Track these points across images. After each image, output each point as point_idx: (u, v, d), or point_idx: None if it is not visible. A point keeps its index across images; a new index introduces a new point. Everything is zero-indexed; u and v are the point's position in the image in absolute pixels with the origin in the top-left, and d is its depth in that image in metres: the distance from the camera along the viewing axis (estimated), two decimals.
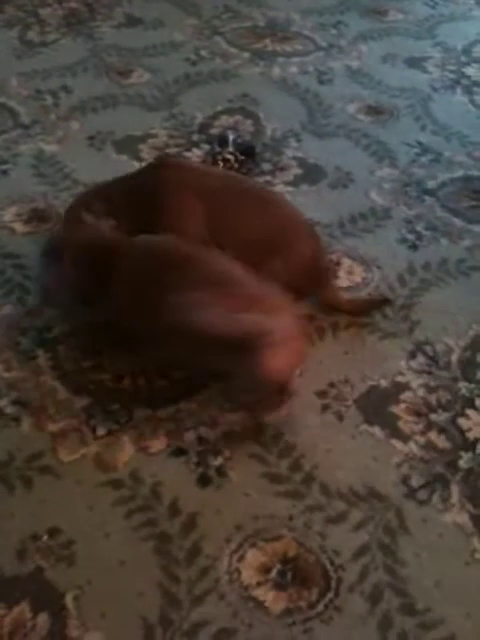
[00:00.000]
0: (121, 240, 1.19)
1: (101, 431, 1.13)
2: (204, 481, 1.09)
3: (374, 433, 1.18)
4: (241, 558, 1.01)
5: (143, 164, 1.61)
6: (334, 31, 2.24)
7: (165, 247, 1.18)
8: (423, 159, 1.77)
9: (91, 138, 1.68)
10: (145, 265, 1.16)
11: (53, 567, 0.98)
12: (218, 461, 1.12)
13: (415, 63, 2.13)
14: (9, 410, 1.14)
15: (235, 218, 1.28)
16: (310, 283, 1.32)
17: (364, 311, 1.35)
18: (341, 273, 1.45)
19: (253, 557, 1.02)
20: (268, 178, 1.65)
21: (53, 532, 1.01)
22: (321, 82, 2.00)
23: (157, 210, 1.24)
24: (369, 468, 1.13)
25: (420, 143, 1.81)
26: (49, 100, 1.78)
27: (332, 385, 1.24)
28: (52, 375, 1.20)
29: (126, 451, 1.12)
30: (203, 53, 2.03)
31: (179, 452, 1.13)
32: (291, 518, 1.06)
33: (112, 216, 1.22)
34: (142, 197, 1.25)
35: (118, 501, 1.05)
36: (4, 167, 1.57)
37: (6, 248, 1.41)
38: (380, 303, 1.36)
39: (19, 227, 1.45)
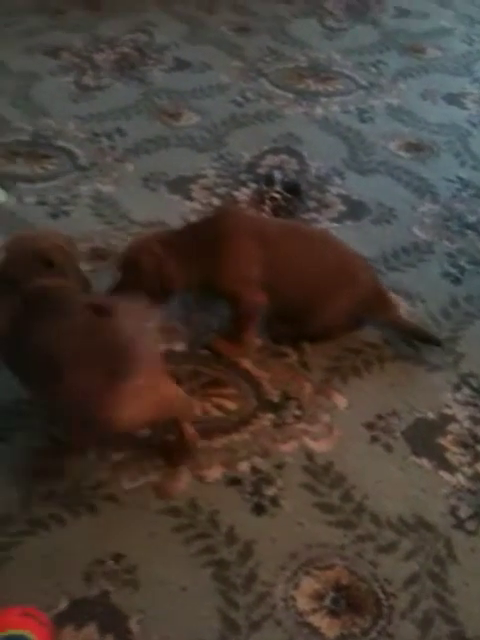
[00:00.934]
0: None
1: (160, 461, 1.19)
2: (259, 510, 1.14)
3: (422, 464, 1.22)
4: (296, 585, 1.06)
5: (194, 204, 1.70)
6: (374, 70, 2.31)
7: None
8: (464, 194, 1.81)
9: (145, 179, 1.77)
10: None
11: (118, 591, 1.03)
12: (271, 491, 1.17)
13: (454, 99, 2.18)
14: None
15: (296, 262, 1.36)
16: (375, 308, 1.42)
17: (416, 335, 1.41)
18: None
19: (307, 584, 1.06)
20: (313, 215, 1.72)
21: (117, 557, 1.07)
22: (362, 120, 2.07)
23: (218, 257, 1.32)
24: (418, 499, 1.17)
25: (460, 178, 1.86)
26: (105, 142, 1.87)
27: (380, 417, 1.29)
28: None
29: (183, 480, 1.17)
30: (248, 94, 2.12)
31: (234, 481, 1.18)
32: (343, 547, 1.10)
33: (173, 260, 1.30)
34: (204, 244, 1.33)
35: (177, 528, 1.11)
36: (66, 208, 1.66)
37: None
38: (430, 338, 1.41)
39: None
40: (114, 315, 1.03)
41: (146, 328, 1.06)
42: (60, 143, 1.87)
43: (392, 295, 1.47)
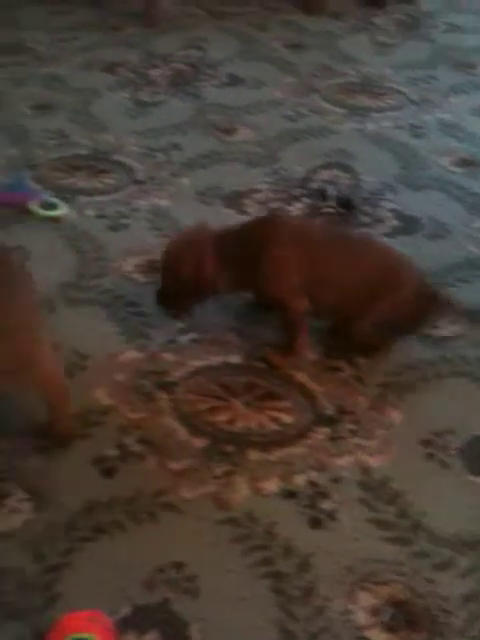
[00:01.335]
0: None
1: (218, 471, 1.22)
2: (315, 523, 1.15)
3: (478, 483, 1.22)
4: (353, 599, 1.07)
5: (248, 218, 1.72)
6: (426, 85, 2.32)
7: None
8: None
9: (201, 193, 1.81)
10: None
11: (178, 599, 1.05)
12: (328, 505, 1.18)
13: None
14: (135, 448, 1.24)
15: (338, 267, 1.37)
16: (425, 310, 1.41)
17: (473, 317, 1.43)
18: (441, 322, 1.50)
19: (365, 599, 1.07)
20: (366, 230, 1.73)
21: (178, 565, 1.09)
22: (414, 135, 2.07)
23: (261, 262, 1.34)
24: (475, 518, 1.17)
25: None
26: (161, 157, 1.92)
27: (436, 434, 1.29)
28: (172, 416, 1.30)
29: (241, 491, 1.19)
30: (301, 110, 2.14)
31: (290, 494, 1.19)
32: (400, 563, 1.11)
33: (214, 260, 1.34)
34: (247, 248, 1.36)
35: (236, 539, 1.13)
36: (124, 221, 1.71)
37: (128, 297, 1.53)
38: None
39: (139, 277, 1.57)
40: None
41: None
42: (118, 158, 1.92)
43: (444, 292, 1.46)
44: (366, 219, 1.76)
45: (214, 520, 1.15)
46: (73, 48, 2.44)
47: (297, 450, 1.26)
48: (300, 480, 1.21)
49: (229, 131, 2.03)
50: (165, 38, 2.50)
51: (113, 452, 1.23)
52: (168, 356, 1.41)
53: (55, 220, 1.71)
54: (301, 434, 1.28)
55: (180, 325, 1.47)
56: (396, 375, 1.39)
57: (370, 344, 1.41)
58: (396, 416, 1.32)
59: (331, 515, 1.16)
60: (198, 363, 1.40)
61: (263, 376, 1.38)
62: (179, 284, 1.36)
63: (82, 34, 2.52)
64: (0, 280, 1.15)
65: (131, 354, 1.41)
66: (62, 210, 1.73)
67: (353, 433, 1.29)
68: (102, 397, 1.32)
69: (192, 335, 1.46)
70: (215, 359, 1.41)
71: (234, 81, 2.28)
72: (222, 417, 1.30)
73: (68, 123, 2.05)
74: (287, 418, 1.30)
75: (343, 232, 1.58)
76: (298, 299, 1.37)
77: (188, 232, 1.46)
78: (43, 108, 2.12)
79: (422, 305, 1.41)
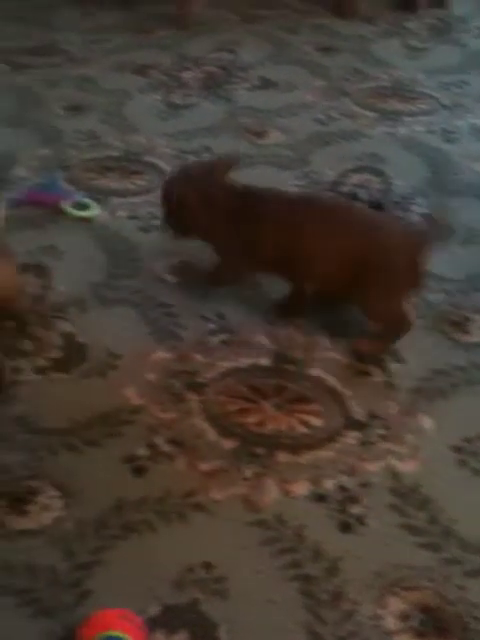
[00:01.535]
0: None
1: (248, 473, 1.22)
2: (344, 528, 1.15)
3: None
4: (383, 604, 1.06)
5: None
6: (458, 90, 2.31)
7: None
8: None
9: None
10: None
11: (208, 599, 1.05)
12: (357, 509, 1.17)
13: None
14: (166, 448, 1.24)
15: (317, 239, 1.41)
16: (420, 256, 1.41)
17: None
18: (472, 328, 1.49)
19: (394, 605, 1.06)
20: None
21: (207, 566, 1.09)
22: (447, 140, 2.06)
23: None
24: None
25: None
26: (192, 159, 1.93)
27: (467, 440, 1.28)
28: (201, 417, 1.30)
29: (271, 494, 1.19)
30: (332, 114, 2.14)
31: (320, 498, 1.19)
32: (430, 569, 1.10)
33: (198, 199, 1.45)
34: (240, 220, 1.45)
35: (265, 541, 1.13)
36: (156, 222, 1.70)
37: (159, 298, 1.54)
38: None
39: (170, 278, 1.58)
40: None
41: None
42: (149, 159, 1.93)
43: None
44: None
45: (244, 522, 1.15)
46: (105, 50, 2.46)
47: (327, 454, 1.25)
48: (330, 484, 1.21)
49: (260, 134, 2.03)
50: (197, 41, 2.51)
51: (143, 451, 1.24)
52: (198, 357, 1.41)
53: (87, 220, 1.72)
54: (331, 438, 1.28)
55: (211, 326, 1.48)
56: (427, 380, 1.38)
57: (392, 321, 1.42)
58: (427, 422, 1.31)
59: (361, 520, 1.16)
60: (228, 365, 1.40)
61: (293, 379, 1.37)
62: (170, 212, 1.50)
63: (114, 36, 2.54)
64: None
65: (161, 354, 1.41)
66: (94, 211, 1.74)
67: (383, 438, 1.28)
68: (133, 396, 1.33)
69: (222, 336, 1.46)
70: (245, 361, 1.41)
71: (265, 84, 2.28)
72: (252, 419, 1.30)
73: (100, 124, 2.07)
74: (317, 421, 1.30)
75: (325, 201, 1.59)
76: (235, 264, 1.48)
77: (192, 165, 1.68)
78: (75, 109, 2.14)
79: (415, 254, 1.40)
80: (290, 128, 2.06)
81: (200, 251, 1.61)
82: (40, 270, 1.59)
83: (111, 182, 1.85)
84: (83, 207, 1.74)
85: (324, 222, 1.41)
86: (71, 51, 2.45)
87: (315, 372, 1.39)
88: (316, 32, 2.59)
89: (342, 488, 1.20)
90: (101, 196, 1.79)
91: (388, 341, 1.43)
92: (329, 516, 1.17)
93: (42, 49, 2.45)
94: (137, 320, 1.49)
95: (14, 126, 2.06)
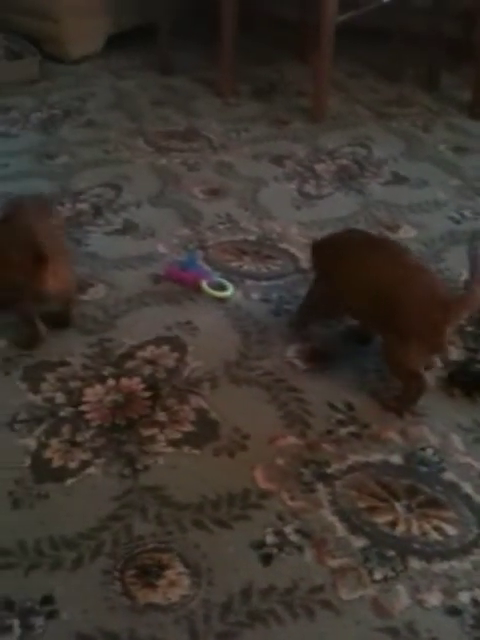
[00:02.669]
0: None
1: (378, 575, 1.18)
2: None
3: None
4: None
5: None
6: None
7: None
8: None
9: None
10: None
11: None
12: None
13: None
14: (293, 538, 1.23)
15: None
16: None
17: None
18: None
19: None
20: None
21: None
22: None
23: None
24: None
25: None
26: None
27: None
28: (330, 510, 1.28)
29: (402, 600, 1.15)
30: (466, 212, 2.15)
31: (453, 611, 1.14)
32: None
33: None
34: None
35: None
36: (287, 307, 1.75)
37: (288, 381, 1.55)
38: None
39: (300, 364, 1.60)
40: (17, 217, 1.62)
41: (46, 220, 1.66)
42: (283, 246, 1.99)
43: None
44: None
45: (373, 626, 1.11)
46: (243, 139, 2.59)
47: (461, 565, 1.20)
48: (465, 597, 1.15)
49: (393, 228, 2.06)
50: (331, 134, 2.61)
51: (271, 539, 1.23)
52: (327, 446, 1.40)
53: (223, 300, 1.78)
54: (466, 550, 1.22)
55: (339, 417, 1.47)
56: None
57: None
58: None
59: None
60: (357, 458, 1.38)
61: (426, 481, 1.34)
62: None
63: (252, 126, 2.68)
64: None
65: (291, 439, 1.42)
66: (230, 291, 1.80)
67: None
68: (261, 480, 1.33)
69: (351, 428, 1.45)
70: (376, 457, 1.39)
71: (398, 179, 2.33)
72: (382, 519, 1.27)
73: (236, 209, 2.16)
74: (451, 530, 1.25)
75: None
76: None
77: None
78: (214, 193, 2.25)
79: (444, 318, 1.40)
80: (422, 224, 2.08)
81: (330, 338, 1.63)
82: (176, 344, 1.65)
83: (246, 265, 1.91)
84: (220, 287, 1.80)
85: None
86: (211, 138, 2.59)
87: (449, 476, 1.35)
88: (449, 131, 2.63)
89: (478, 603, 1.14)
90: (236, 278, 1.85)
91: (405, 399, 1.48)
92: (464, 631, 1.11)
93: (185, 134, 2.61)
94: (267, 402, 1.51)
95: (156, 205, 2.18)
